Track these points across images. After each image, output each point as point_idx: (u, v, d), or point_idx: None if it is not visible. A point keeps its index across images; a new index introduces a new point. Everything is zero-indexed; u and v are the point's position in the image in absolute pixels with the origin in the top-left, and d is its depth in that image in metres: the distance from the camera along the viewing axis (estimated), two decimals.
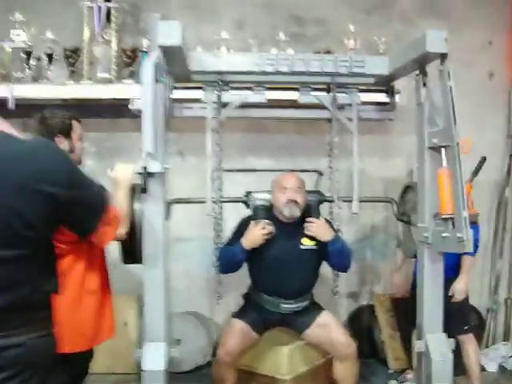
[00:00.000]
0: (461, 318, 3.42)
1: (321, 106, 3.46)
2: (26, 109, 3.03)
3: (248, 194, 3.34)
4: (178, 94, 3.17)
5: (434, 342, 2.66)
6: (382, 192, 4.31)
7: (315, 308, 3.33)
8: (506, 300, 4.67)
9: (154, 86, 2.40)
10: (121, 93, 3.85)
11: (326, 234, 3.15)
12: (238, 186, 3.56)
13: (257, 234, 3.08)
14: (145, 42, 4.05)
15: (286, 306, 3.21)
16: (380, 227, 4.58)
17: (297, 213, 3.14)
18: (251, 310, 3.27)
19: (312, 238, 3.18)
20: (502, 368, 4.25)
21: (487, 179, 4.38)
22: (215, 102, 3.28)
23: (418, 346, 2.71)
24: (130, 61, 4.10)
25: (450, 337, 2.76)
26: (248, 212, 3.36)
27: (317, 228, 3.15)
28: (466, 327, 3.48)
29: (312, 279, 3.33)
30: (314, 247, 3.19)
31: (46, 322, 1.57)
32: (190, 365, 4.11)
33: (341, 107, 3.45)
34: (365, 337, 4.38)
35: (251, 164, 4.26)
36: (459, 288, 3.33)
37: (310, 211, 3.22)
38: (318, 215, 3.24)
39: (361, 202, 3.48)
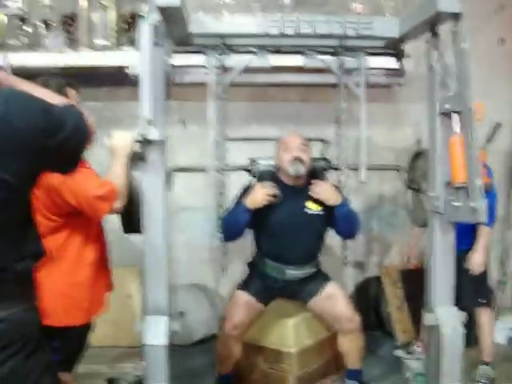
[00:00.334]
0: (477, 290, 3.35)
1: (327, 71, 3.33)
2: (21, 77, 2.92)
3: (252, 161, 3.23)
4: (178, 60, 3.06)
5: (445, 315, 2.58)
6: (389, 161, 4.19)
7: (322, 277, 3.23)
8: None
9: (152, 50, 2.30)
10: (120, 60, 3.73)
11: (332, 198, 3.05)
12: (241, 155, 3.44)
13: (261, 193, 2.98)
14: (144, 7, 3.91)
15: (290, 272, 3.12)
16: (388, 197, 4.49)
17: (302, 170, 3.04)
18: (256, 279, 3.19)
19: (318, 202, 3.08)
20: (511, 340, 4.18)
21: (496, 148, 4.28)
22: (217, 67, 3.14)
23: (428, 318, 2.63)
24: (129, 27, 3.98)
25: (465, 309, 2.69)
26: (252, 180, 3.26)
27: (323, 190, 3.05)
28: (481, 300, 3.39)
29: (317, 245, 3.23)
30: (320, 212, 3.10)
31: (30, 294, 1.47)
32: (193, 337, 4.06)
33: (348, 72, 3.30)
34: (371, 309, 4.34)
35: (255, 133, 4.15)
36: (475, 260, 3.23)
37: (316, 176, 3.12)
38: (324, 180, 3.14)
39: (368, 169, 3.37)
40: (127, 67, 3.30)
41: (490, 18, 4.41)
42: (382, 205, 4.51)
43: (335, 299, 3.15)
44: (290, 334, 3.29)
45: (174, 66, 2.96)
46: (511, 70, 4.53)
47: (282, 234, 3.06)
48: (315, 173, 3.14)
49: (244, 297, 3.10)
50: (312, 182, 3.10)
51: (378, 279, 4.41)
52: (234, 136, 3.45)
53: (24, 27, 3.86)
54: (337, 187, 3.21)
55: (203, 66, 3.22)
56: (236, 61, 3.17)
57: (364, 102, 3.28)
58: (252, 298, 3.10)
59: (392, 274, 4.32)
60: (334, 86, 3.44)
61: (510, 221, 4.58)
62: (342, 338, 3.19)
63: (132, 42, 3.89)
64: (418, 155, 3.25)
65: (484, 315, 3.41)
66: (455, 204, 2.40)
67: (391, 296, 4.24)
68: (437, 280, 2.65)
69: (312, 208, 3.09)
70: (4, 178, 1.31)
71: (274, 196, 3.00)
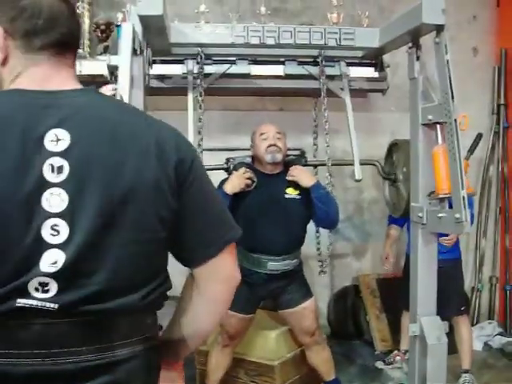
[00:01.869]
0: (458, 299, 3.41)
1: (307, 77, 3.31)
2: None
3: (228, 160, 3.20)
4: (155, 69, 3.02)
5: (429, 325, 2.58)
6: (366, 170, 4.20)
7: (305, 292, 3.17)
8: (490, 278, 4.65)
9: (132, 59, 2.26)
10: (95, 69, 3.66)
11: (307, 179, 3.01)
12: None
13: (238, 176, 2.95)
14: (119, 16, 3.86)
15: (272, 263, 3.03)
16: (365, 207, 4.50)
17: (279, 157, 3.01)
18: (237, 289, 3.11)
19: (295, 187, 3.03)
20: (487, 346, 4.23)
21: (471, 157, 4.33)
22: (196, 77, 3.10)
23: (412, 329, 2.63)
24: (103, 36, 3.90)
25: (447, 318, 2.71)
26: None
27: (298, 172, 3.03)
28: (462, 308, 3.45)
29: (299, 234, 3.14)
30: (297, 196, 3.04)
31: (156, 330, 1.27)
32: None
33: (330, 78, 3.28)
34: (350, 318, 4.33)
35: (232, 142, 4.11)
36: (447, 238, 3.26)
37: (293, 164, 3.12)
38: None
39: (344, 165, 3.36)
40: (102, 76, 3.27)
41: (464, 28, 4.47)
42: (359, 214, 4.51)
43: (306, 314, 3.12)
44: (271, 346, 3.26)
45: (149, 76, 2.91)
46: (484, 79, 4.59)
47: (261, 222, 2.99)
48: (292, 161, 3.16)
49: (230, 314, 3.05)
50: (289, 168, 3.07)
51: (355, 288, 4.41)
52: (211, 146, 3.41)
53: None
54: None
55: (180, 75, 3.19)
56: (216, 70, 3.14)
57: (350, 103, 3.25)
58: (238, 314, 3.05)
59: (370, 282, 4.33)
60: (314, 94, 3.43)
61: (485, 229, 4.63)
62: (308, 353, 3.22)
63: (107, 52, 3.83)
64: (393, 146, 3.26)
65: (463, 323, 3.44)
66: (439, 215, 2.40)
67: (369, 305, 4.24)
68: (420, 291, 2.65)
69: (290, 193, 3.05)
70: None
71: (252, 181, 2.98)
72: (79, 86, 1.18)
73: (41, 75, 1.13)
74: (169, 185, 1.13)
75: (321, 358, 3.20)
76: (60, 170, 1.05)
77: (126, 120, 1.17)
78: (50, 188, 1.04)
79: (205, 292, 1.29)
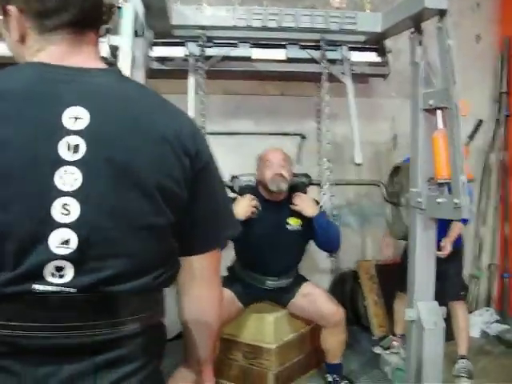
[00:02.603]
0: (457, 284, 3.43)
1: (309, 61, 3.30)
2: None
3: (233, 177, 3.24)
4: (157, 51, 3.01)
5: (426, 310, 2.59)
6: (367, 156, 4.20)
7: (299, 280, 3.29)
8: (488, 266, 4.66)
9: (133, 39, 2.26)
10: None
11: (310, 208, 3.08)
12: (221, 148, 3.38)
13: (244, 204, 3.00)
14: None
15: (270, 282, 3.19)
16: (364, 193, 4.49)
17: (284, 187, 3.07)
18: (236, 281, 3.21)
19: (298, 217, 3.11)
20: (484, 334, 4.25)
21: (472, 144, 4.32)
22: (197, 59, 3.09)
23: (409, 314, 2.64)
24: (106, 18, 3.88)
25: (444, 302, 2.72)
26: (233, 195, 3.25)
27: (301, 201, 3.09)
28: (460, 293, 3.46)
29: (297, 258, 3.31)
30: (300, 227, 3.14)
31: (164, 307, 1.26)
32: (170, 334, 4.01)
33: (332, 63, 3.28)
34: (348, 303, 4.34)
35: (232, 127, 4.11)
36: (443, 247, 3.24)
37: (297, 191, 3.17)
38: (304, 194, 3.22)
39: (348, 184, 3.38)
40: (105, 58, 3.24)
41: (467, 15, 4.44)
42: (359, 201, 4.51)
43: (313, 297, 3.19)
44: (269, 329, 3.25)
45: (150, 57, 2.91)
46: (487, 67, 4.57)
47: (262, 249, 3.09)
48: (296, 188, 3.19)
49: (225, 293, 3.07)
50: (293, 195, 3.14)
51: (354, 274, 4.42)
52: (212, 130, 3.40)
53: None
54: (316, 202, 3.23)
55: (181, 58, 3.18)
56: (217, 52, 3.14)
57: (351, 89, 3.24)
58: (233, 295, 3.10)
59: (369, 268, 4.34)
60: (315, 79, 3.41)
61: (484, 217, 4.64)
62: (326, 334, 3.21)
63: (109, 33, 3.81)
64: (396, 169, 3.25)
65: (460, 309, 3.45)
66: (438, 200, 2.40)
67: (367, 291, 4.25)
68: (418, 276, 2.66)
69: (292, 223, 3.14)
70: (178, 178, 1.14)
71: (256, 208, 3.04)
72: (102, 66, 1.15)
73: (60, 52, 1.10)
74: (183, 172, 1.12)
75: (337, 341, 3.22)
76: (76, 148, 1.02)
77: (147, 104, 1.15)
78: (64, 166, 1.02)
79: (207, 279, 1.32)
